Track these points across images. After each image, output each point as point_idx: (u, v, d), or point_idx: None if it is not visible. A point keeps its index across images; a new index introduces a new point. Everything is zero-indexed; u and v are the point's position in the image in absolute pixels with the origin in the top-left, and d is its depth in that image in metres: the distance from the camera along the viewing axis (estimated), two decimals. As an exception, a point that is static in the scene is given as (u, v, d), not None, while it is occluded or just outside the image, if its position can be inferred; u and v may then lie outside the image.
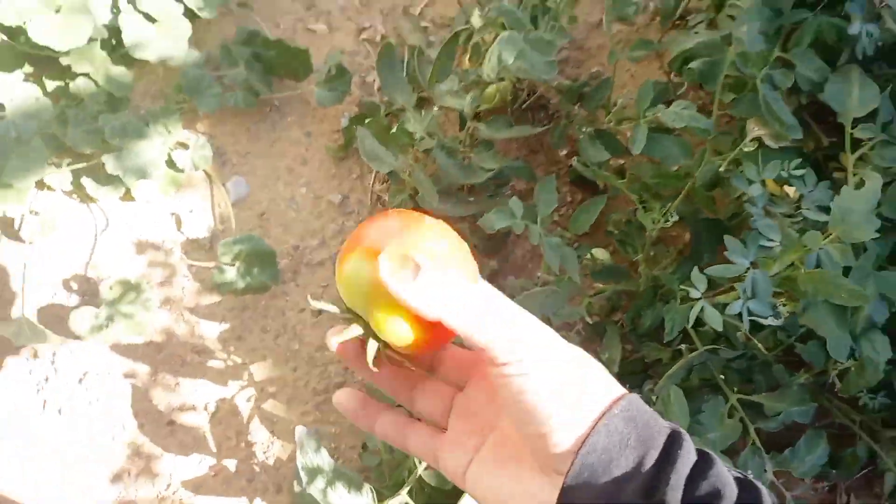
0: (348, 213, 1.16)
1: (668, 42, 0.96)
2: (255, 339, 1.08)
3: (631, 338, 1.04)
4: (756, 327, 0.94)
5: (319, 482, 0.82)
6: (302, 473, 0.82)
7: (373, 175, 1.18)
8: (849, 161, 0.84)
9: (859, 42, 0.81)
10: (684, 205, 0.96)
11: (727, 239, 0.77)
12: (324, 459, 0.83)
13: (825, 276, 0.73)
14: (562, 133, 1.09)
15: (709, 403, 0.90)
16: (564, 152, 1.18)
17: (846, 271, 0.77)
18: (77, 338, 1.05)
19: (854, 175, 0.83)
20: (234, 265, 1.07)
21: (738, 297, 0.74)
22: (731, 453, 0.90)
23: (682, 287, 0.77)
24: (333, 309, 0.36)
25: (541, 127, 1.11)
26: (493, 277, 1.09)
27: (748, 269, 0.75)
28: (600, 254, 1.02)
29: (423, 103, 1.12)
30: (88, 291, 1.11)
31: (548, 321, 0.95)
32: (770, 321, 0.84)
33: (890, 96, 0.82)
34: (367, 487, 0.83)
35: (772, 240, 0.75)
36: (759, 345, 0.86)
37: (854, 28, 0.80)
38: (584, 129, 1.03)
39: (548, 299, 0.90)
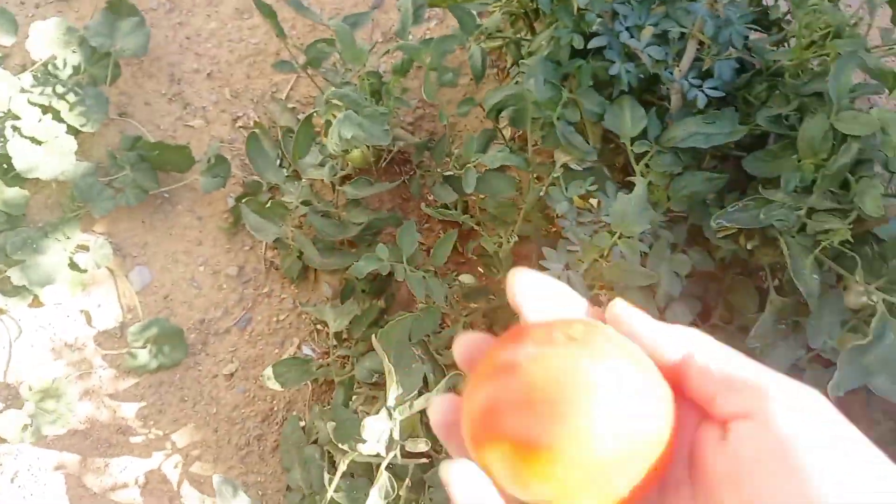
0: (246, 282, 1.29)
1: (483, 97, 1.15)
2: (174, 410, 1.18)
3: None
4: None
5: (242, 522, 0.93)
6: (225, 517, 0.93)
7: (263, 244, 1.31)
8: (637, 171, 1.04)
9: (622, 79, 1.02)
10: (525, 226, 1.15)
11: (544, 249, 0.95)
12: (242, 502, 0.94)
13: (620, 266, 0.91)
14: (418, 182, 1.26)
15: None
16: (432, 196, 1.36)
17: (647, 259, 0.96)
18: (5, 441, 1.13)
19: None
20: (145, 348, 1.17)
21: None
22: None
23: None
24: None
25: (401, 179, 1.28)
26: (380, 315, 1.24)
27: (563, 271, 0.93)
28: (467, 279, 1.19)
29: (296, 175, 1.28)
30: (10, 396, 1.19)
31: (425, 346, 1.10)
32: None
33: (656, 115, 1.03)
34: (286, 519, 0.94)
35: (575, 245, 0.93)
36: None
37: (614, 69, 1.01)
38: (434, 177, 1.20)
39: (416, 323, 1.05)
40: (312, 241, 1.19)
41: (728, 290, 1.11)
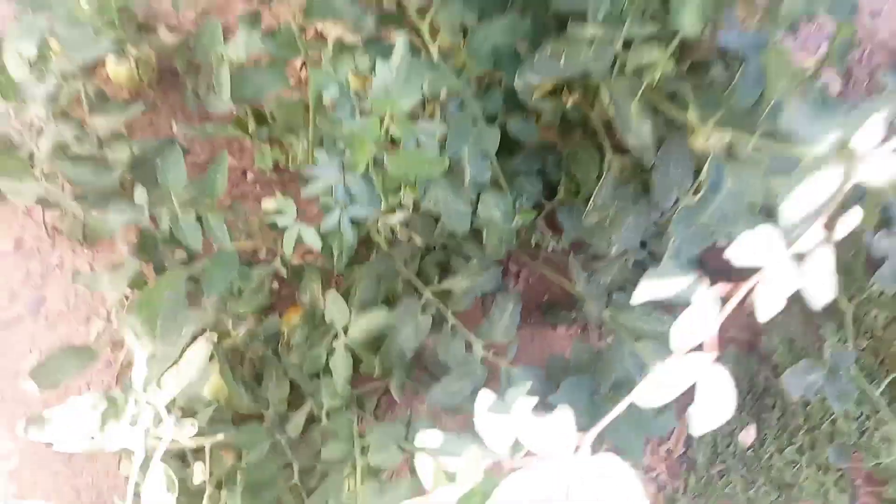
0: (29, 256, 1.08)
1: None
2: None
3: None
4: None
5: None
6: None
7: (41, 206, 1.09)
8: (423, 29, 0.82)
9: None
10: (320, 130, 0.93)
11: (315, 152, 0.75)
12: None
13: (405, 155, 0.72)
14: (192, 95, 1.02)
15: (403, 306, 0.90)
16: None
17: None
18: None
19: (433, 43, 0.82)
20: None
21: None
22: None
23: (272, 215, 0.75)
24: None
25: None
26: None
27: (338, 175, 0.74)
28: (272, 204, 0.99)
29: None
30: None
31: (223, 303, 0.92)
32: (399, 217, 0.83)
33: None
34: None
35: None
36: (413, 235, 0.86)
37: None
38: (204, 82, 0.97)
39: (207, 276, 0.86)
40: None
41: (569, 158, 0.93)
